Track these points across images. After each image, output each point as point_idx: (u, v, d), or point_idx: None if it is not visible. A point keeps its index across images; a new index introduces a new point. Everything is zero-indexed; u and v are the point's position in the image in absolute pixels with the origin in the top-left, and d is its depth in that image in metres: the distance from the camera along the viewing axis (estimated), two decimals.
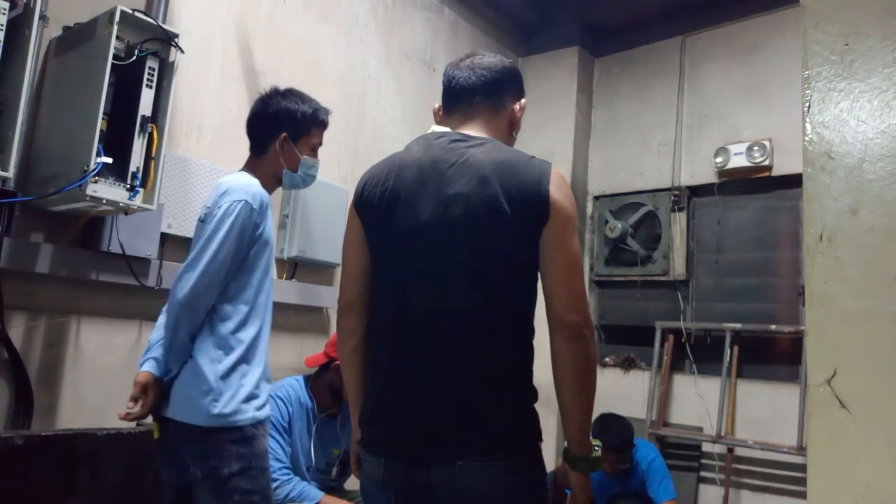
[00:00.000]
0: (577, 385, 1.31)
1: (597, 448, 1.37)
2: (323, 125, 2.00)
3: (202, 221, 1.81)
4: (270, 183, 1.93)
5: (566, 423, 1.35)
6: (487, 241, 1.31)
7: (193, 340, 1.72)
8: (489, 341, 1.32)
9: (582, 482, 1.37)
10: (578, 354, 1.30)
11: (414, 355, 1.34)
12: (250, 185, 1.81)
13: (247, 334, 1.75)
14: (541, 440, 1.36)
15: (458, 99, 1.50)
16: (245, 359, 1.74)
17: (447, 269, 1.33)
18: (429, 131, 1.50)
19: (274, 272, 1.94)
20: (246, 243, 1.77)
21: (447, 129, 1.47)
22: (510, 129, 1.54)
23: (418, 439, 1.31)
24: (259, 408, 1.74)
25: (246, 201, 1.75)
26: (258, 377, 1.75)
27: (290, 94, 1.97)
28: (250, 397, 1.72)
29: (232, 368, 1.71)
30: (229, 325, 1.74)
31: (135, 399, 1.72)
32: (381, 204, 1.40)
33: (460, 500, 1.27)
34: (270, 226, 1.85)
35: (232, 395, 1.69)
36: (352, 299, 1.47)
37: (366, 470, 1.40)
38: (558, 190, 1.33)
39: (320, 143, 2.00)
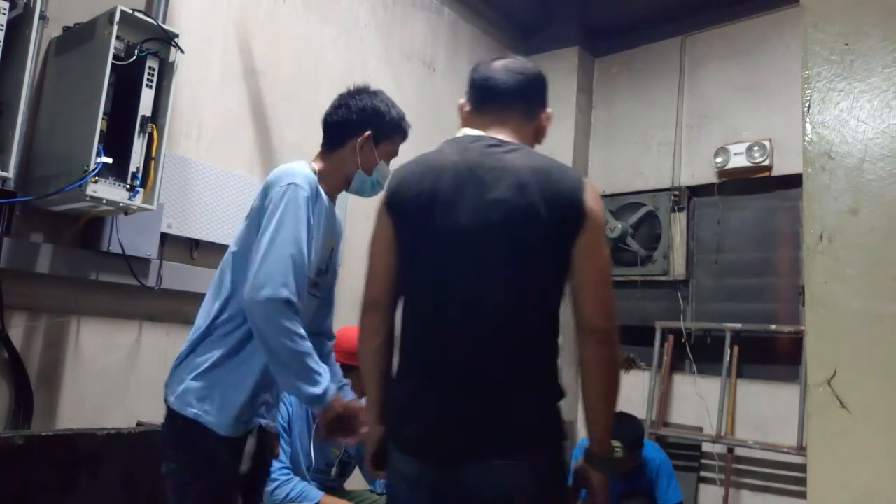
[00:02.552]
0: (603, 388, 1.35)
1: (618, 449, 1.41)
2: (405, 136, 1.85)
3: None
4: (337, 182, 1.78)
5: (591, 425, 1.39)
6: (525, 247, 1.34)
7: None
8: (525, 344, 1.35)
9: (604, 482, 1.41)
10: (606, 359, 1.34)
11: (451, 357, 1.35)
12: (295, 171, 1.63)
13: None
14: (566, 438, 1.40)
15: (492, 100, 1.50)
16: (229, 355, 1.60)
17: (486, 273, 1.35)
18: (459, 134, 1.50)
19: None
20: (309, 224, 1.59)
21: (481, 133, 1.47)
22: (535, 137, 1.55)
23: (455, 439, 1.33)
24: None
25: (295, 184, 1.59)
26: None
27: (380, 94, 1.83)
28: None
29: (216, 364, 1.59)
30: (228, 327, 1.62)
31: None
32: (417, 207, 1.39)
33: (494, 497, 1.29)
34: (321, 223, 1.69)
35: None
36: (377, 299, 1.47)
37: (398, 469, 1.40)
38: (592, 199, 1.36)
39: (396, 154, 1.85)
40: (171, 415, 1.61)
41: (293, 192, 1.58)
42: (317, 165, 1.75)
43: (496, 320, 1.34)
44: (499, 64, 1.52)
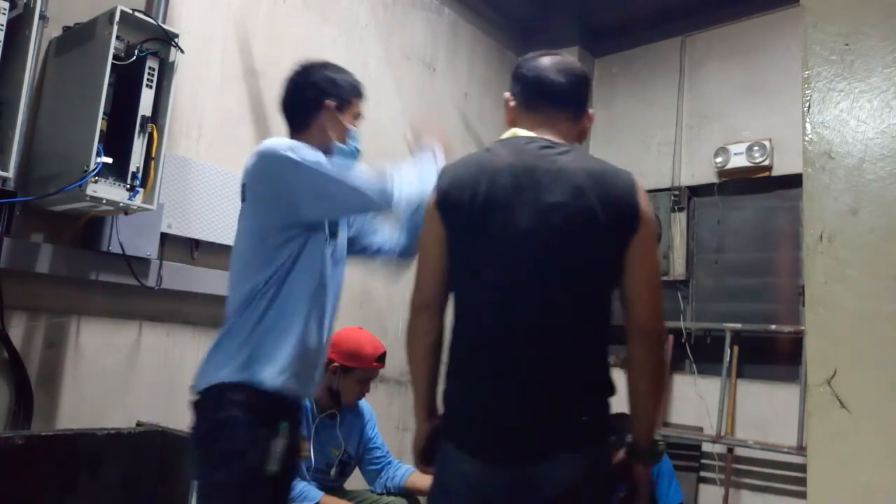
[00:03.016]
0: (653, 387, 1.40)
1: (661, 443, 1.46)
2: (361, 95, 1.85)
3: (244, 201, 1.68)
4: None
5: (639, 422, 1.43)
6: (583, 250, 1.35)
7: None
8: (584, 344, 1.39)
9: (647, 474, 1.46)
10: (657, 360, 1.39)
11: (515, 358, 1.37)
12: (285, 140, 1.65)
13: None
14: (614, 433, 1.45)
15: (544, 99, 1.50)
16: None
17: (546, 275, 1.36)
18: (508, 134, 1.50)
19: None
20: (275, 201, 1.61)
21: (532, 134, 1.47)
22: (578, 137, 1.55)
23: (525, 438, 1.35)
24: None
25: (287, 154, 1.59)
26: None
27: (328, 63, 1.84)
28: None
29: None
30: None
31: None
32: (472, 208, 1.39)
33: (559, 491, 1.31)
34: None
35: None
36: (429, 299, 1.48)
37: (457, 469, 1.39)
38: (645, 201, 1.39)
39: (360, 115, 1.85)
40: (201, 405, 1.61)
41: (299, 150, 1.60)
42: None
43: (557, 322, 1.36)
44: (548, 61, 1.52)
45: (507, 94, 1.56)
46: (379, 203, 1.61)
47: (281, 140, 1.65)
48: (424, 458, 1.53)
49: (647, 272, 1.38)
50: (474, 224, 1.39)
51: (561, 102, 1.50)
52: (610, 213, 1.34)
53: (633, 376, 1.40)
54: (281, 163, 1.59)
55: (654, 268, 1.40)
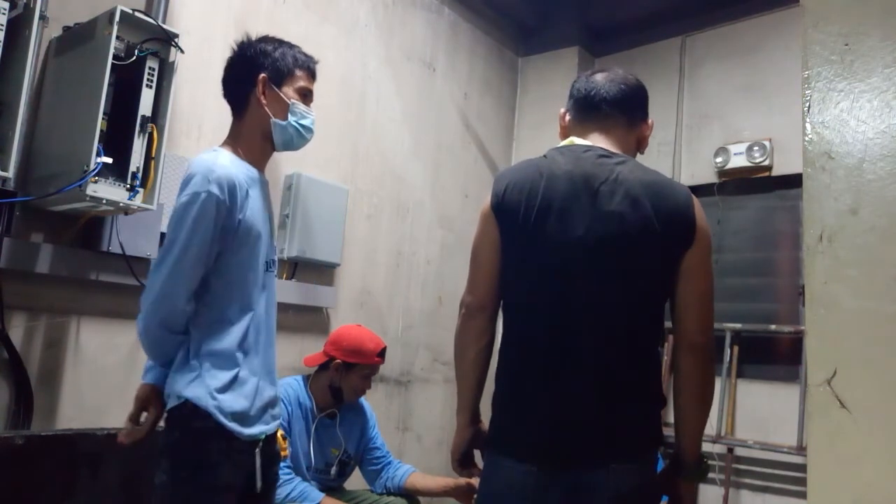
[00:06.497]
0: (700, 401, 1.40)
1: (706, 460, 1.45)
2: (309, 69, 1.68)
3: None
4: (260, 148, 1.64)
5: (684, 437, 1.42)
6: (638, 261, 1.36)
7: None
8: (638, 355, 1.39)
9: (692, 491, 1.46)
10: (705, 374, 1.39)
11: (571, 366, 1.36)
12: (213, 169, 1.49)
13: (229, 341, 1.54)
14: (663, 444, 1.45)
15: (596, 109, 1.52)
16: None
17: (601, 283, 1.36)
18: (565, 142, 1.51)
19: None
20: (213, 239, 1.49)
21: (589, 143, 1.48)
22: (637, 147, 1.58)
23: (578, 444, 1.35)
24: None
25: (208, 192, 1.46)
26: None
27: (266, 37, 1.67)
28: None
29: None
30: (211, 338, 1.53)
31: (134, 419, 1.60)
32: (528, 212, 1.39)
33: (608, 500, 1.31)
34: (254, 209, 1.56)
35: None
36: (485, 301, 1.49)
37: (503, 476, 1.39)
38: (701, 215, 1.40)
39: (309, 90, 1.68)
40: (176, 414, 1.58)
41: (200, 204, 1.47)
42: (233, 142, 1.64)
43: (613, 331, 1.36)
44: (600, 76, 1.55)
45: (562, 111, 1.58)
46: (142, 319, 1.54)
47: (217, 180, 1.49)
48: (463, 462, 1.56)
49: (701, 285, 1.38)
50: (530, 229, 1.39)
51: (611, 110, 1.51)
52: (666, 225, 1.34)
53: (680, 389, 1.40)
54: (193, 221, 1.48)
55: (708, 281, 1.39)
